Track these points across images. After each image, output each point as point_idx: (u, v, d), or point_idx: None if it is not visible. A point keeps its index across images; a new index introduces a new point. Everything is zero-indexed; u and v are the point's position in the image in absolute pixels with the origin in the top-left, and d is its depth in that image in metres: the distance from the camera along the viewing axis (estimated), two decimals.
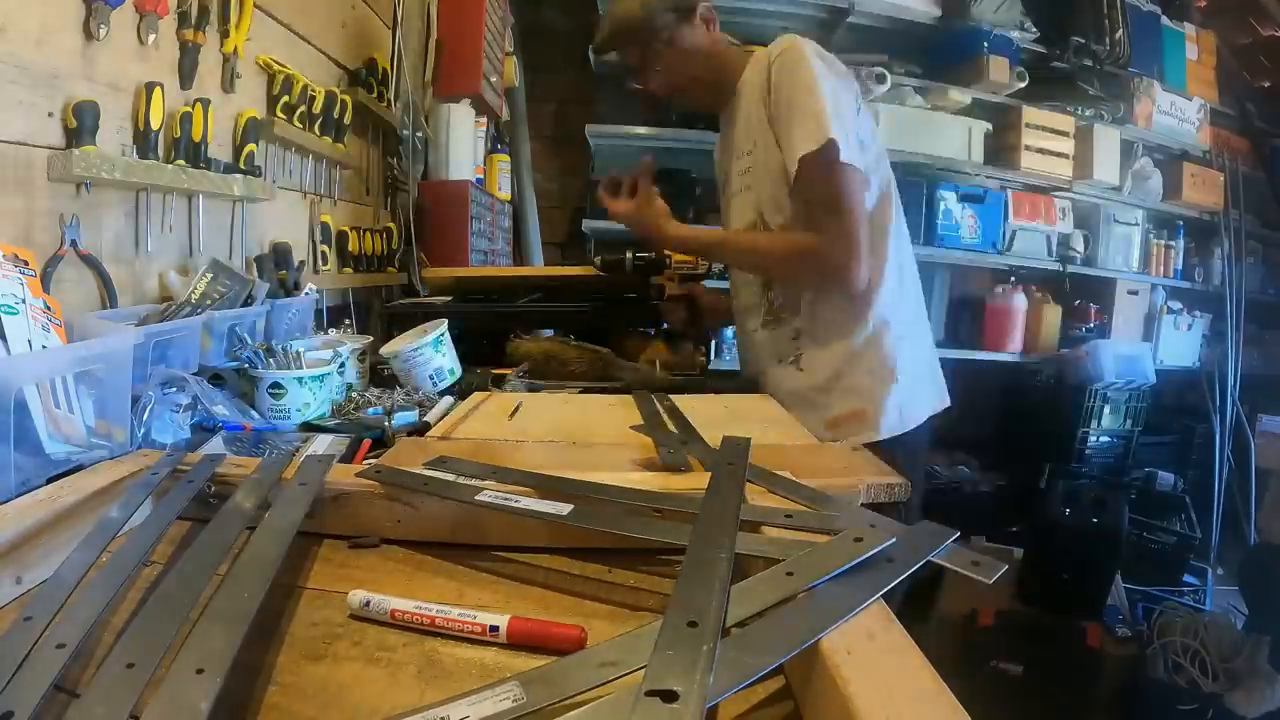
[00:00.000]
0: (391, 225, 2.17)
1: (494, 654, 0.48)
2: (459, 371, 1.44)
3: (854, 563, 0.50)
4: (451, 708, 0.39)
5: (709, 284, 1.79)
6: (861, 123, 1.34)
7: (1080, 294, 3.58)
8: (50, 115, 0.93)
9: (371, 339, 1.51)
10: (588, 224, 3.33)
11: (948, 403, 1.50)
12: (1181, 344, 3.70)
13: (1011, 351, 3.39)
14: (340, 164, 1.79)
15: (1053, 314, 3.43)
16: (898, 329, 1.40)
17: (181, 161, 1.14)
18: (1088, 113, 3.40)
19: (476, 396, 1.23)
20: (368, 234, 1.93)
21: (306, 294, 1.49)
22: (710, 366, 1.93)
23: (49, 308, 0.80)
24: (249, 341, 1.16)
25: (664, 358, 1.63)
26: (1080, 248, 3.51)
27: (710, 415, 1.09)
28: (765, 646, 0.41)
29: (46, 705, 0.39)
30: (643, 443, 0.97)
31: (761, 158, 1.37)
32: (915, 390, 1.42)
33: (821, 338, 1.40)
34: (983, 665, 2.33)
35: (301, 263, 1.57)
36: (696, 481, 0.68)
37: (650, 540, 0.60)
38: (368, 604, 0.52)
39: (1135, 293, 3.60)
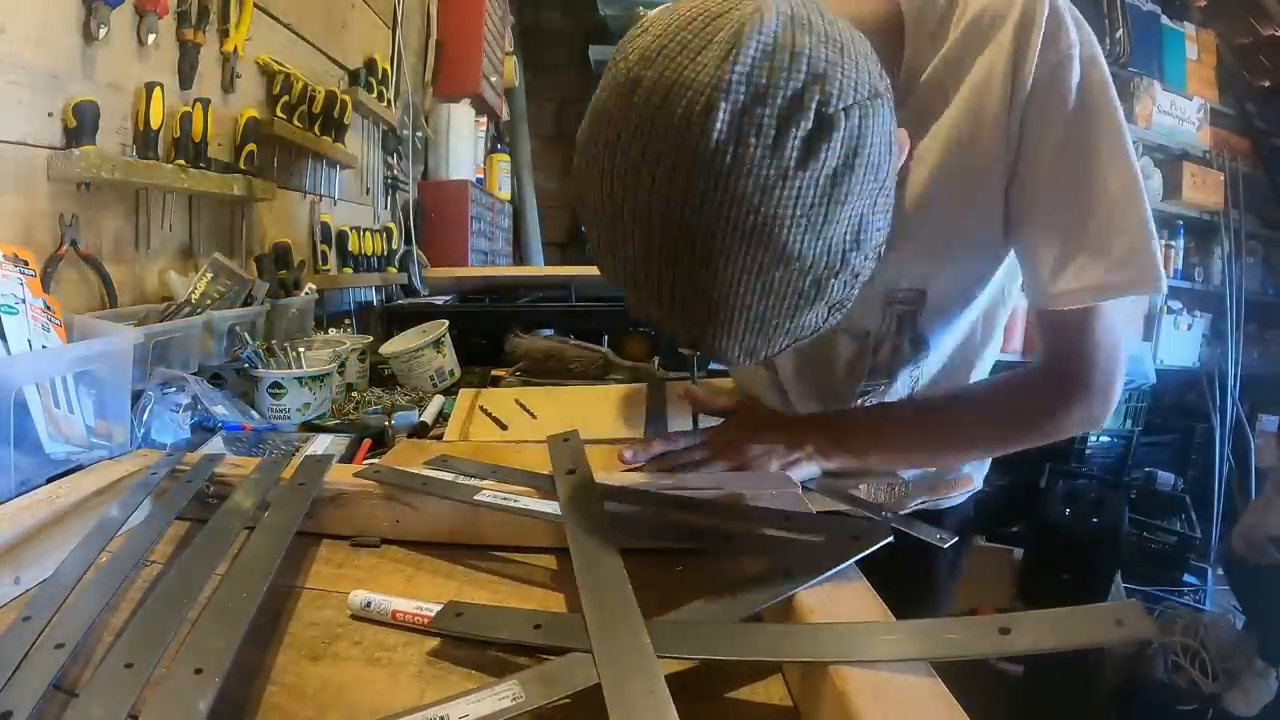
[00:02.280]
0: (391, 225, 2.17)
1: (494, 654, 0.48)
2: (459, 372, 1.44)
3: (851, 560, 0.50)
4: (451, 706, 0.39)
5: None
6: None
7: None
8: (50, 115, 0.93)
9: (371, 339, 1.51)
10: None
11: None
12: (1181, 344, 3.70)
13: (1012, 351, 3.39)
14: (340, 164, 1.79)
15: None
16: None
17: (181, 161, 1.14)
18: None
19: (466, 394, 1.22)
20: (368, 234, 1.93)
21: (306, 294, 1.49)
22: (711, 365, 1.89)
23: (49, 307, 0.80)
24: (249, 341, 1.16)
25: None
26: None
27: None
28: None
29: (45, 705, 0.39)
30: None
31: (941, 222, 0.74)
32: None
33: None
34: (983, 665, 2.33)
35: (301, 262, 1.57)
36: (696, 482, 0.68)
37: (649, 540, 0.60)
38: (368, 605, 0.52)
39: None
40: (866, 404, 0.88)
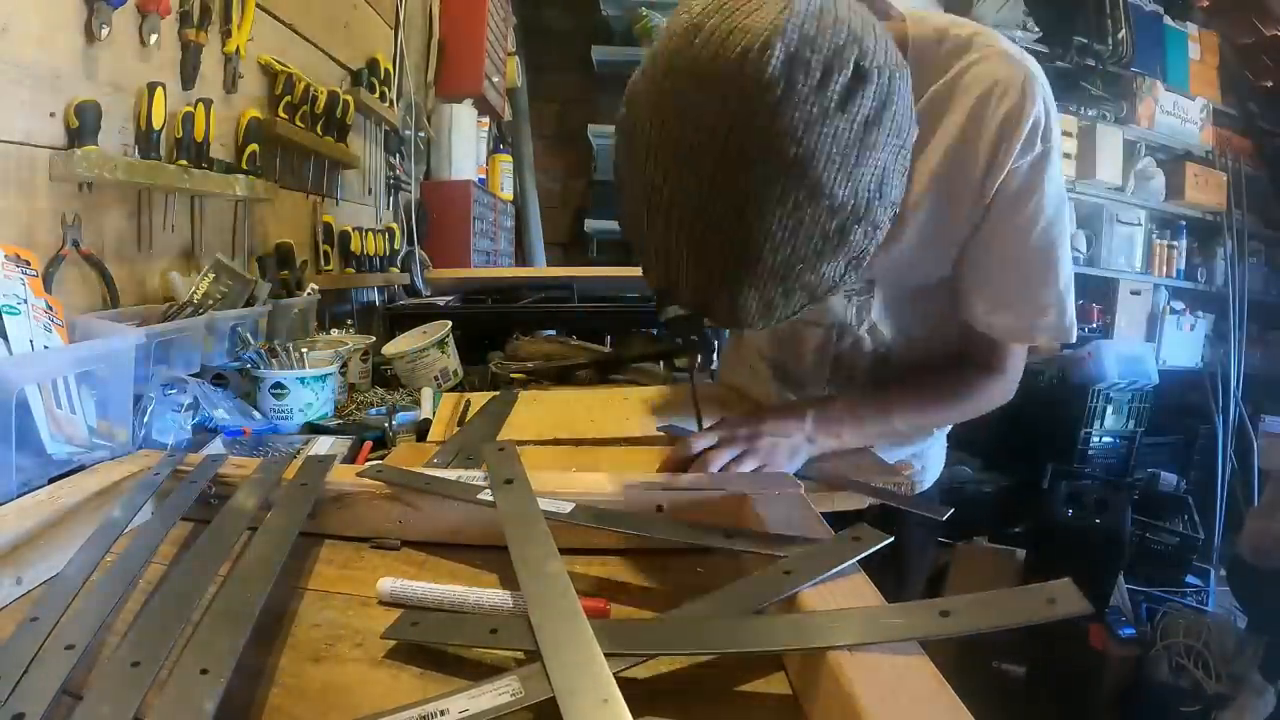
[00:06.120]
0: (394, 225, 2.17)
1: (496, 655, 0.47)
2: (462, 373, 1.44)
3: (852, 560, 0.49)
4: (450, 701, 0.39)
5: None
6: None
7: (1083, 294, 3.57)
8: (52, 115, 0.93)
9: (374, 339, 1.51)
10: (590, 224, 3.34)
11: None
12: (1184, 344, 3.69)
13: None
14: (342, 164, 1.79)
15: None
16: None
17: (184, 161, 1.14)
18: (1090, 112, 3.39)
19: (449, 398, 1.21)
20: (370, 234, 1.93)
21: (309, 294, 1.49)
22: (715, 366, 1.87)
23: (51, 308, 0.80)
24: (251, 342, 1.16)
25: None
26: (1083, 248, 3.50)
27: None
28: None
29: (54, 705, 0.39)
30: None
31: (916, 255, 0.86)
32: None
33: None
34: (985, 666, 2.33)
35: (304, 262, 1.58)
36: (698, 481, 0.68)
37: (652, 539, 0.60)
38: (397, 591, 0.53)
39: (1138, 293, 3.59)
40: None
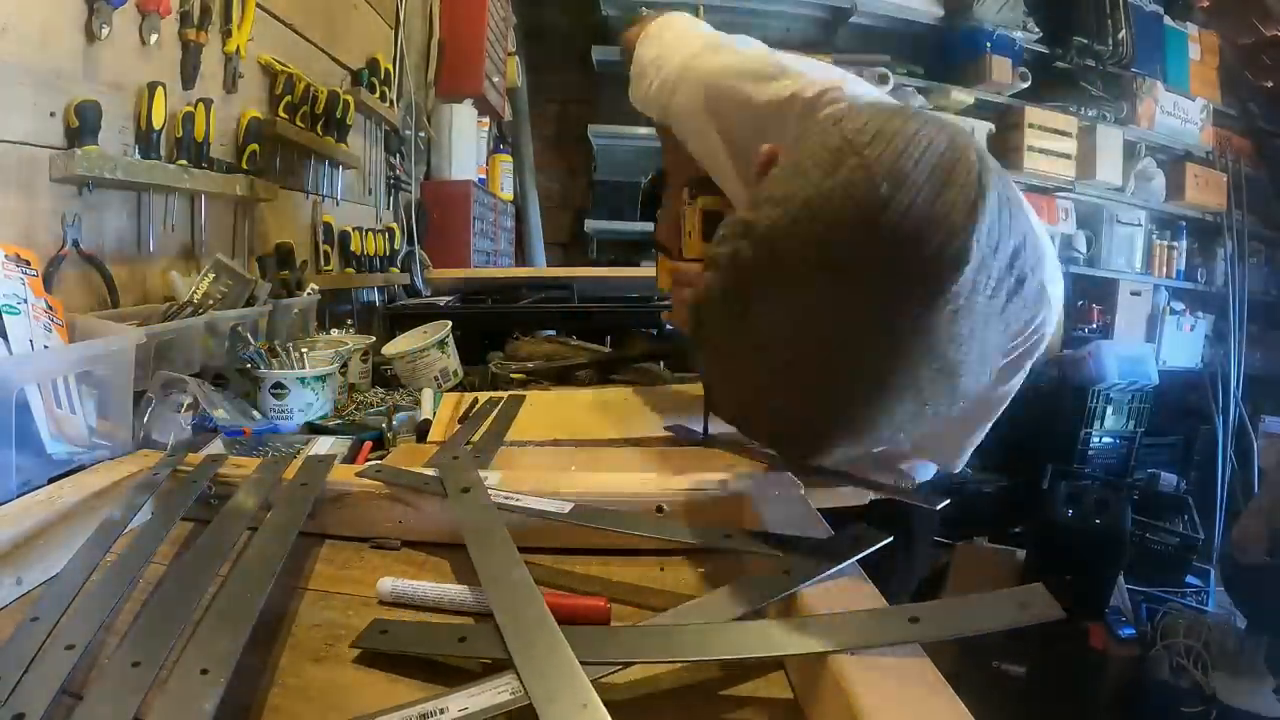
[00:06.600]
0: (394, 225, 2.17)
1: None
2: (462, 373, 1.44)
3: (851, 560, 0.50)
4: (449, 700, 0.39)
5: None
6: None
7: (1083, 295, 3.57)
8: (52, 115, 0.93)
9: (374, 339, 1.51)
10: (590, 224, 3.34)
11: None
12: (1184, 345, 3.70)
13: None
14: (343, 164, 1.79)
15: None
16: None
17: (184, 161, 1.14)
18: (1090, 113, 3.40)
19: (449, 398, 1.22)
20: (370, 234, 1.93)
21: (309, 294, 1.49)
22: None
23: (51, 307, 0.80)
24: (251, 342, 1.16)
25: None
26: (1083, 248, 3.51)
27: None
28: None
29: (54, 706, 0.39)
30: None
31: None
32: None
33: None
34: (985, 666, 2.33)
35: (304, 263, 1.57)
36: (698, 481, 0.68)
37: (652, 539, 0.60)
38: (397, 590, 0.53)
39: (1138, 293, 3.59)
40: None
